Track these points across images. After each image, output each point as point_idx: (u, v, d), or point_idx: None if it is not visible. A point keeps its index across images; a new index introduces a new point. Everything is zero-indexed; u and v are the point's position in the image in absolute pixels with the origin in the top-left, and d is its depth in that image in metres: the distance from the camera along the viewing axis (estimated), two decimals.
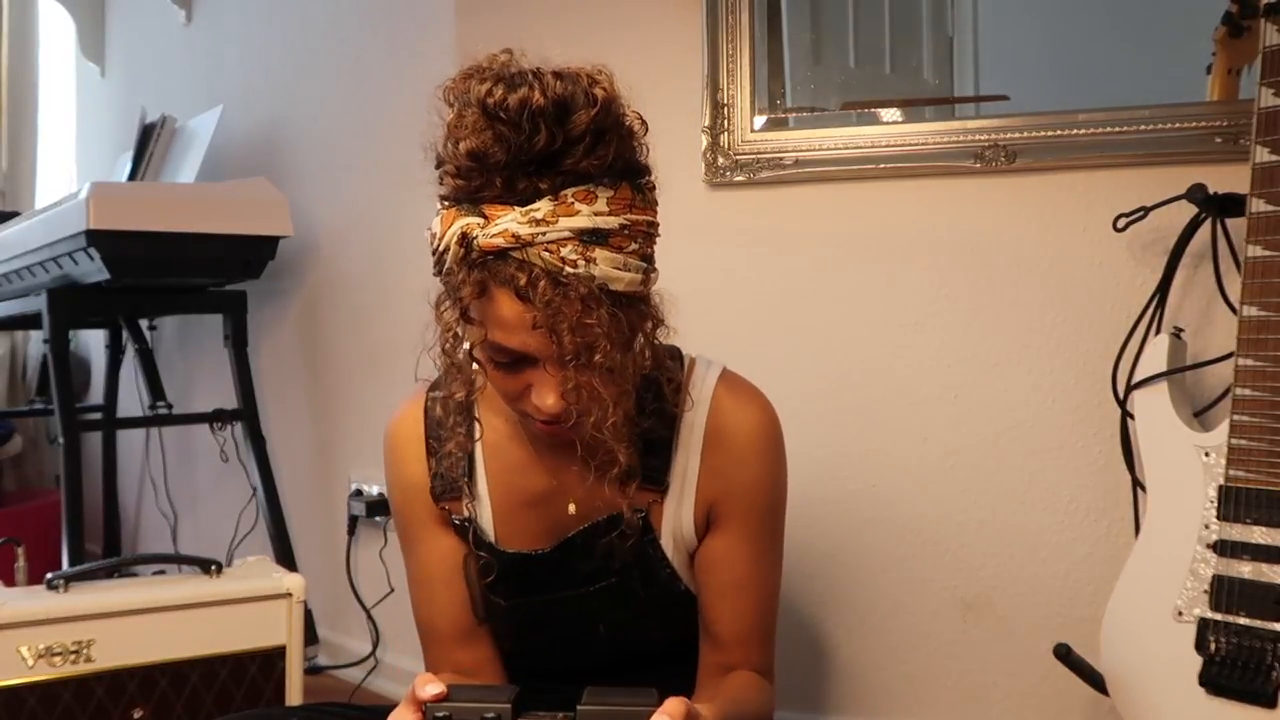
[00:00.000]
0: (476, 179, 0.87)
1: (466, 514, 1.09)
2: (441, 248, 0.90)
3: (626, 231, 0.88)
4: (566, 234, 0.85)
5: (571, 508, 1.08)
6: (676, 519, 1.06)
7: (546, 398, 0.91)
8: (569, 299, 0.86)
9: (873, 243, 1.59)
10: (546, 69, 0.88)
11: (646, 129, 0.93)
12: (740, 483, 1.06)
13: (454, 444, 1.08)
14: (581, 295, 0.86)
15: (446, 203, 0.91)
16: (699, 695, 1.06)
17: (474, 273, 0.88)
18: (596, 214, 0.87)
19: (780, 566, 1.12)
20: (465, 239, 0.87)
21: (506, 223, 0.86)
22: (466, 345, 0.95)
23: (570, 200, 0.86)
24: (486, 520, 1.09)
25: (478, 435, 1.09)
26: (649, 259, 0.93)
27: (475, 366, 0.97)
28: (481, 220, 0.87)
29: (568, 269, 0.86)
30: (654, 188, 0.95)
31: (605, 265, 0.87)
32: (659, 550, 1.06)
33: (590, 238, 0.86)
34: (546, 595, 1.09)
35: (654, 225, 0.93)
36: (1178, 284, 1.34)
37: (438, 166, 0.91)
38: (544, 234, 0.85)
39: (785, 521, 1.13)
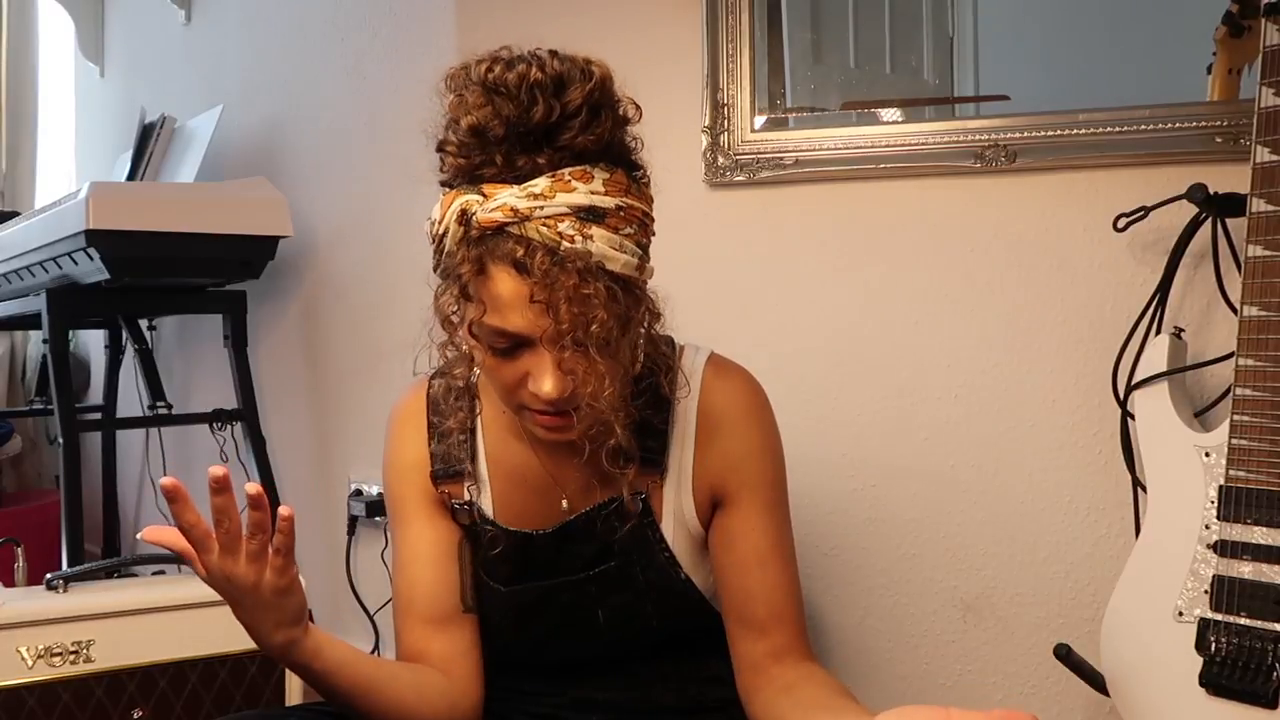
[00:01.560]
0: (477, 155, 0.90)
1: (468, 497, 1.09)
2: (441, 230, 0.92)
3: (622, 214, 0.91)
4: (564, 210, 0.88)
5: (564, 503, 1.09)
6: (677, 503, 1.07)
7: (544, 382, 0.91)
8: (566, 271, 0.87)
9: (873, 243, 1.59)
10: (544, 51, 0.91)
11: (640, 115, 0.95)
12: (740, 457, 1.07)
13: (455, 423, 1.09)
14: (578, 269, 0.88)
15: (446, 187, 0.93)
16: (769, 699, 1.05)
17: (473, 250, 0.89)
18: (593, 193, 0.89)
19: (793, 541, 1.13)
20: (464, 216, 0.89)
21: (505, 198, 0.88)
22: (464, 335, 0.96)
23: (567, 178, 0.89)
24: (487, 502, 1.10)
25: (478, 418, 1.10)
26: (644, 249, 0.95)
27: (474, 356, 0.98)
28: (480, 197, 0.89)
29: (565, 244, 0.87)
30: (649, 184, 0.97)
31: (602, 244, 0.89)
32: (658, 533, 1.07)
33: (587, 215, 0.89)
34: (546, 580, 1.09)
35: (649, 216, 0.95)
36: (1178, 284, 1.34)
37: (439, 150, 0.94)
38: (541, 208, 0.87)
39: (787, 498, 1.14)
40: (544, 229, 0.87)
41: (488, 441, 1.10)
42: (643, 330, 1.00)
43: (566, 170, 0.89)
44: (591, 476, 1.06)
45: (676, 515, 1.07)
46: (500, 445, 1.10)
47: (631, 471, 1.04)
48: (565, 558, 1.09)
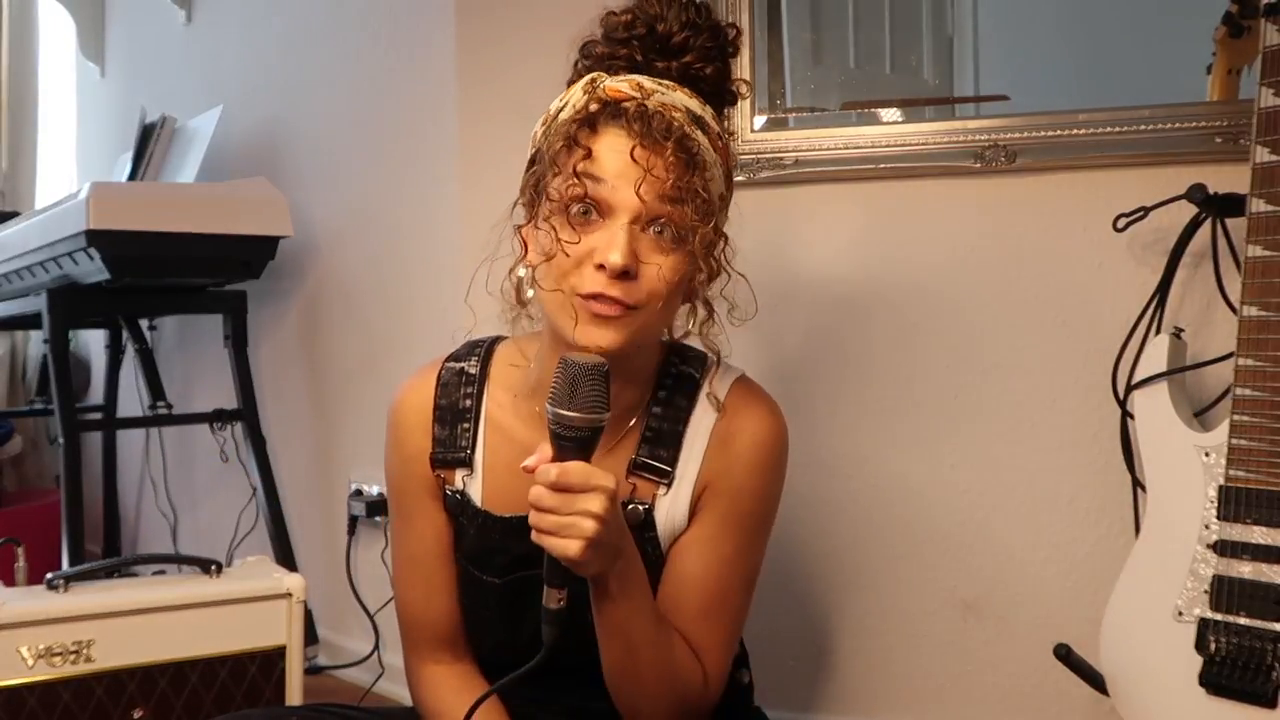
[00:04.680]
0: (619, 48, 1.01)
1: (460, 485, 1.09)
2: (560, 106, 1.00)
3: (720, 144, 1.00)
4: (681, 105, 0.97)
5: None
6: (672, 513, 1.06)
7: (614, 249, 0.93)
8: (674, 141, 0.94)
9: (873, 243, 1.59)
10: None
11: (740, 98, 1.08)
12: (729, 482, 1.06)
13: (462, 407, 1.09)
14: (685, 145, 0.94)
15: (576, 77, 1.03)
16: None
17: (589, 113, 0.96)
18: (704, 112, 0.99)
19: (746, 579, 1.09)
20: (593, 84, 0.97)
21: (634, 76, 0.98)
22: (544, 205, 0.98)
23: (689, 91, 0.99)
24: (477, 490, 1.09)
25: (485, 404, 1.09)
26: (723, 200, 1.02)
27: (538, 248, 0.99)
28: (610, 75, 0.99)
29: (678, 123, 0.95)
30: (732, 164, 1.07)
31: (705, 148, 0.97)
32: (658, 548, 1.06)
33: (697, 121, 0.97)
34: (538, 572, 1.08)
35: (730, 179, 1.04)
36: (1178, 284, 1.34)
37: (583, 48, 1.03)
38: (664, 94, 0.97)
39: (766, 537, 1.10)
40: (661, 108, 0.95)
41: (492, 429, 1.09)
42: (701, 290, 1.03)
43: (688, 88, 0.99)
44: (599, 467, 1.05)
45: (668, 526, 1.06)
46: (505, 432, 1.09)
47: (637, 477, 1.04)
48: None
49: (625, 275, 0.93)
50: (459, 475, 1.09)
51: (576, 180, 0.94)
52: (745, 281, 1.06)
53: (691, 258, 0.97)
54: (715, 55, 1.01)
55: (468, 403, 1.10)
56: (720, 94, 1.04)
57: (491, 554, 1.08)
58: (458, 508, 1.09)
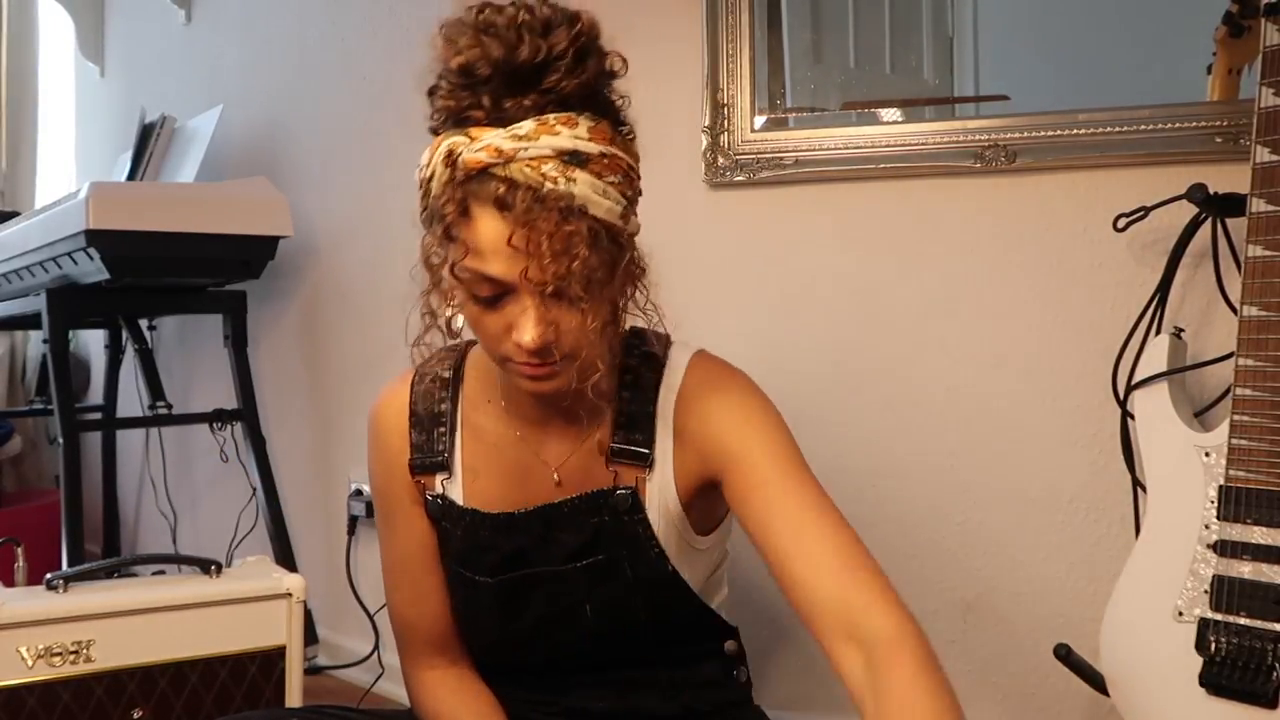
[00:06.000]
0: (465, 97, 0.91)
1: (440, 489, 1.09)
2: (428, 174, 0.93)
3: (606, 161, 0.91)
4: (548, 151, 0.88)
5: (555, 476, 1.08)
6: (662, 495, 1.06)
7: (524, 331, 0.91)
8: (547, 210, 0.87)
9: (873, 243, 1.59)
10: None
11: (626, 68, 0.96)
12: (738, 450, 1.02)
13: (438, 412, 1.09)
14: (560, 209, 0.88)
15: (434, 134, 0.94)
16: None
17: (457, 191, 0.90)
18: (577, 138, 0.90)
19: (830, 507, 1.01)
20: (450, 157, 0.90)
21: (490, 139, 0.89)
22: (449, 278, 0.95)
23: (552, 122, 0.89)
24: (457, 492, 1.09)
25: (460, 406, 1.10)
26: (629, 200, 0.95)
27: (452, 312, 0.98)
28: (466, 139, 0.90)
29: (548, 184, 0.88)
30: (634, 140, 0.97)
31: (585, 187, 0.89)
32: (649, 530, 1.06)
33: (571, 158, 0.89)
34: (531, 569, 1.08)
35: (634, 170, 0.95)
36: (1178, 284, 1.34)
37: (430, 95, 0.95)
38: (525, 149, 0.88)
39: (806, 464, 1.04)
40: (528, 169, 0.88)
41: (468, 431, 1.10)
42: (630, 290, 0.99)
43: (552, 115, 0.90)
44: (575, 464, 1.06)
45: (661, 508, 1.06)
46: (480, 432, 1.10)
47: (619, 464, 1.05)
48: (551, 546, 1.07)
49: (544, 348, 0.92)
50: (438, 480, 1.10)
51: (469, 273, 0.92)
52: (647, 270, 1.01)
53: (609, 292, 0.95)
54: (577, 66, 0.91)
55: (443, 406, 1.10)
56: (596, 98, 0.94)
57: (482, 553, 1.08)
58: (440, 512, 1.10)
